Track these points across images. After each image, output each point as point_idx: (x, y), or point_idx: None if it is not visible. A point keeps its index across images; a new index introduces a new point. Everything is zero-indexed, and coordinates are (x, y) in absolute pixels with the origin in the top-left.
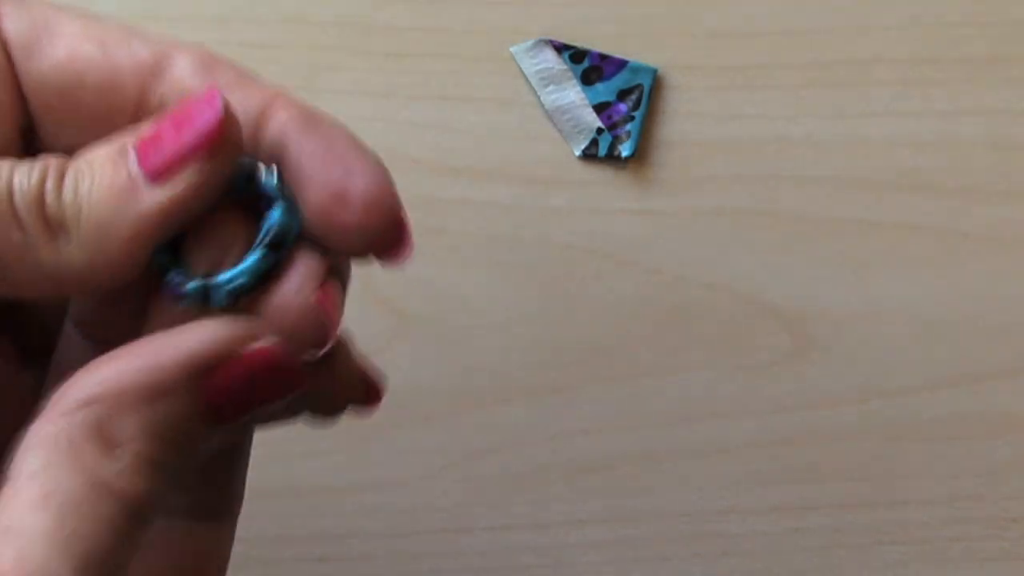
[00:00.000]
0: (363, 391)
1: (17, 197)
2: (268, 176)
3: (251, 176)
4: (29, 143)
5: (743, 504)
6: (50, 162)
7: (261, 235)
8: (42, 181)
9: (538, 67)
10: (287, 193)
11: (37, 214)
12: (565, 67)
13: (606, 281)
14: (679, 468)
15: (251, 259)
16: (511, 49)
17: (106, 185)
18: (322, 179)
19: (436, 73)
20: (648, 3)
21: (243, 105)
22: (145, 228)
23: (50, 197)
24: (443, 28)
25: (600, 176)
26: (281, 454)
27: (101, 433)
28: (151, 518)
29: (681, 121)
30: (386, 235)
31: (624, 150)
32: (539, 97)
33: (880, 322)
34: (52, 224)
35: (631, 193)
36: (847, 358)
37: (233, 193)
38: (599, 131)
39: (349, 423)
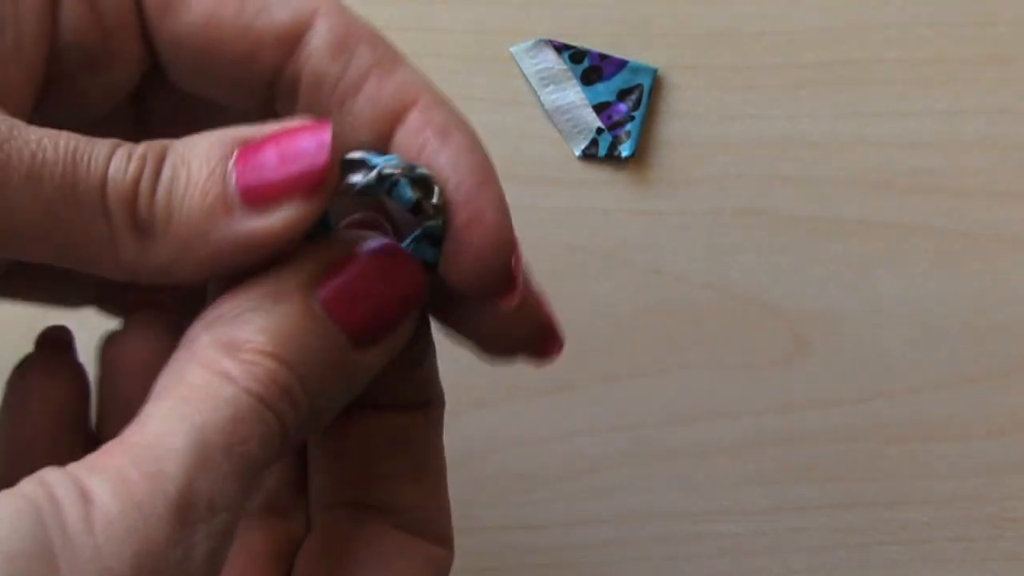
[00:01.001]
0: (539, 336)
1: (110, 190)
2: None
3: (420, 202)
4: (151, 82)
5: (743, 504)
6: (148, 154)
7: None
8: (136, 179)
9: (538, 67)
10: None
11: (127, 212)
12: (565, 67)
13: (606, 281)
14: (679, 468)
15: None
16: (511, 49)
17: (199, 197)
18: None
19: (436, 73)
20: (648, 3)
21: (375, 99)
22: (232, 250)
23: (143, 198)
24: (443, 28)
25: (600, 176)
26: None
27: (222, 342)
28: (279, 409)
29: (681, 121)
30: (493, 280)
31: (624, 150)
32: (539, 97)
33: (880, 322)
34: (140, 225)
35: (631, 193)
36: (847, 358)
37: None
38: (599, 131)
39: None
